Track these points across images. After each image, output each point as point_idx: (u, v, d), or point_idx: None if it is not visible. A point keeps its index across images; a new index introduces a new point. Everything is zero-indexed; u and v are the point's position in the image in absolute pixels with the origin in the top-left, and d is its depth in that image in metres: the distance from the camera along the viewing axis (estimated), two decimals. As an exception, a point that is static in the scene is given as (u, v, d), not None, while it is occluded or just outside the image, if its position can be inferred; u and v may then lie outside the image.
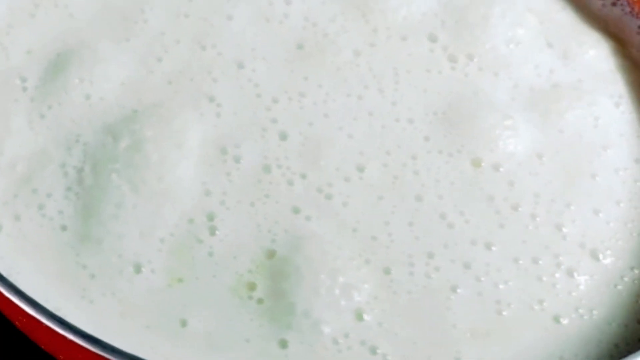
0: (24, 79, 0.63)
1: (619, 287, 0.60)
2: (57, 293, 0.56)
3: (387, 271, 0.58)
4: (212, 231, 0.58)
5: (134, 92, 0.64)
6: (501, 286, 0.58)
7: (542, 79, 0.69)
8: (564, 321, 0.58)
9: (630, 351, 0.55)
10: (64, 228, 0.58)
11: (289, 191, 0.60)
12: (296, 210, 0.60)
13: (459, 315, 0.57)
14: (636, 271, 0.61)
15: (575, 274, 0.60)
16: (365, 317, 0.56)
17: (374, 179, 0.62)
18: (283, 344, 0.55)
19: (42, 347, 0.54)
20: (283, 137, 0.63)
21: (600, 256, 0.61)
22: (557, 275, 0.59)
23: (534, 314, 0.58)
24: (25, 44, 0.65)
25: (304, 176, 0.61)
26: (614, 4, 0.75)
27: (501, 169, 0.63)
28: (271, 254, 0.57)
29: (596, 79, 0.70)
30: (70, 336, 0.48)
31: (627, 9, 0.74)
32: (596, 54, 0.71)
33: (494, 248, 0.60)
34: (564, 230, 0.61)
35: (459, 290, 0.58)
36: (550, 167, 0.64)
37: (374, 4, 0.70)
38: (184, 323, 0.55)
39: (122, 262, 0.57)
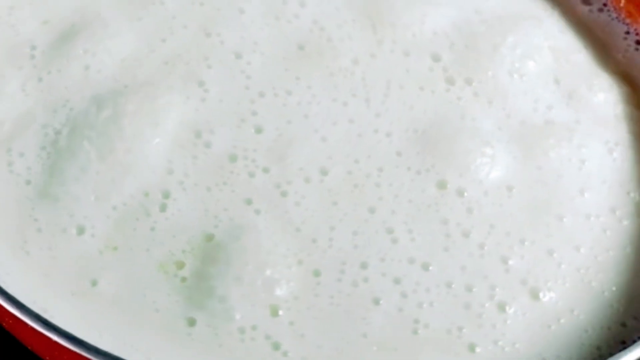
0: (34, 47, 0.66)
1: (553, 327, 0.59)
2: (3, 241, 0.59)
3: (316, 273, 0.58)
4: (163, 208, 0.60)
5: (131, 68, 0.66)
6: (425, 306, 0.58)
7: (538, 114, 0.68)
8: (478, 350, 0.57)
9: (612, 353, 0.55)
10: (28, 182, 0.60)
11: (247, 182, 0.61)
12: (248, 202, 0.61)
13: (372, 326, 0.57)
14: (576, 312, 0.60)
15: (507, 308, 0.58)
16: (280, 313, 0.57)
17: (333, 184, 0.62)
18: (191, 322, 0.56)
19: (29, 347, 0.55)
20: (258, 130, 0.64)
21: (541, 295, 0.59)
22: (486, 305, 0.58)
23: (449, 338, 0.57)
24: (44, 15, 0.68)
25: (266, 170, 0.62)
26: (600, 10, 0.74)
27: (465, 195, 0.62)
28: (209, 238, 0.59)
29: (596, 123, 0.68)
30: (54, 337, 0.50)
31: (614, 15, 0.74)
32: (604, 98, 0.70)
33: (430, 268, 0.59)
34: (510, 263, 0.60)
35: (381, 302, 0.58)
36: (517, 201, 0.63)
37: (387, 17, 0.70)
38: (94, 283, 0.57)
39: (70, 222, 0.59)
